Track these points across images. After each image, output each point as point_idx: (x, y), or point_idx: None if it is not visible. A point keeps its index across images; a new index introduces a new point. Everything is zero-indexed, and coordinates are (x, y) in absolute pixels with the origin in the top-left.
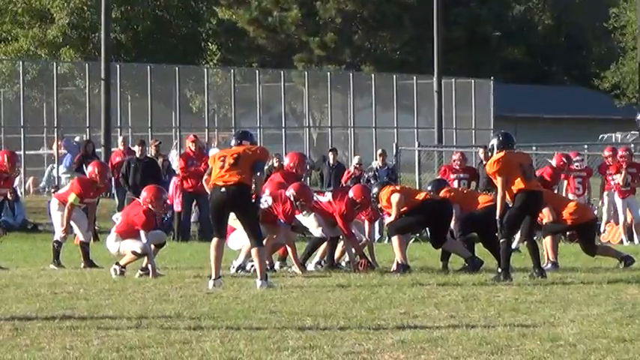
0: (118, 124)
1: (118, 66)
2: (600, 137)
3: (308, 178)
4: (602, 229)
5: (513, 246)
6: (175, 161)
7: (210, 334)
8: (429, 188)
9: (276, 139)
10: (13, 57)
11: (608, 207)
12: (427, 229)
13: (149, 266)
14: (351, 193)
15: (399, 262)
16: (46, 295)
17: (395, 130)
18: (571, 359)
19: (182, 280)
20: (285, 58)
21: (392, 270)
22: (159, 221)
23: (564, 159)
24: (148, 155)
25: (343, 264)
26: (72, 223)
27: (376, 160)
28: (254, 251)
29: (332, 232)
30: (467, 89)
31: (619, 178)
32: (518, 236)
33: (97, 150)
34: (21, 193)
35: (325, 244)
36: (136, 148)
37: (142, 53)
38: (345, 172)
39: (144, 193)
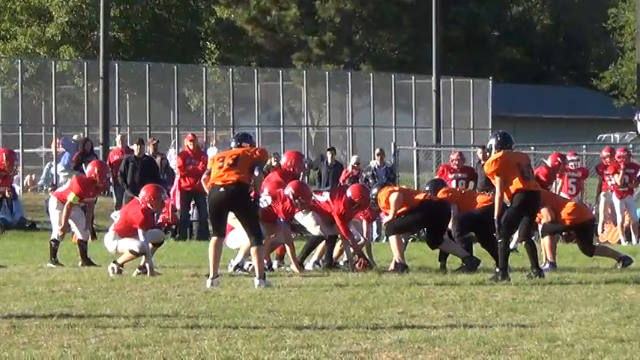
0: (117, 123)
1: (116, 64)
2: (599, 137)
3: (306, 177)
4: (599, 230)
5: (511, 246)
6: (173, 160)
7: (207, 332)
8: (427, 188)
9: (275, 138)
10: (11, 55)
11: (605, 207)
12: (425, 229)
13: (147, 265)
14: (349, 193)
15: (397, 261)
16: (43, 293)
17: (393, 129)
18: (569, 359)
19: (180, 279)
20: (283, 57)
21: (390, 269)
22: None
23: (559, 159)
24: (146, 154)
25: (341, 263)
26: (70, 221)
27: (374, 159)
28: (253, 250)
29: (330, 230)
30: (465, 89)
31: (617, 179)
32: (516, 236)
33: (95, 148)
34: (19, 191)
35: (323, 243)
36: (135, 147)
37: (140, 52)
38: (343, 172)
39: (143, 192)
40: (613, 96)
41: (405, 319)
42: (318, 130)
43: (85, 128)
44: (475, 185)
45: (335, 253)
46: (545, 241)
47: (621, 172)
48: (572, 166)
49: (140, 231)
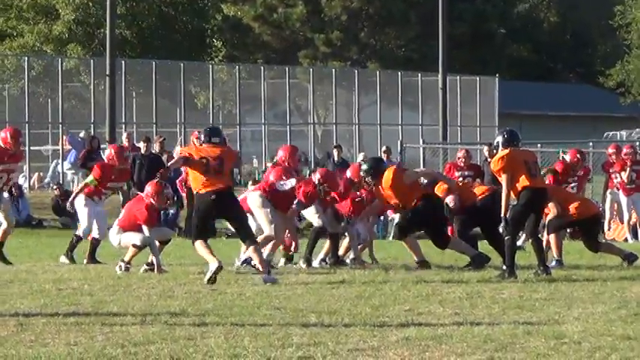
0: (123, 120)
1: (123, 62)
2: (605, 135)
3: (307, 171)
4: (605, 227)
5: (519, 243)
6: None
7: (214, 330)
8: (425, 182)
9: (281, 136)
10: (18, 53)
11: (611, 205)
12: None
13: (154, 261)
14: (348, 173)
15: (417, 260)
16: (50, 291)
17: (400, 127)
18: (576, 357)
19: (186, 277)
20: (290, 55)
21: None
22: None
23: (579, 155)
24: (153, 151)
25: (348, 261)
26: (92, 219)
27: (381, 157)
28: (251, 249)
29: (332, 227)
30: (472, 86)
31: (624, 176)
32: (523, 234)
33: (102, 146)
34: (25, 189)
35: (328, 241)
36: (141, 145)
37: (147, 49)
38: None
39: (147, 188)
40: (620, 93)
41: (412, 317)
42: (325, 128)
43: (92, 126)
44: (482, 183)
45: (342, 251)
46: (551, 239)
47: (628, 169)
48: None
49: (145, 228)
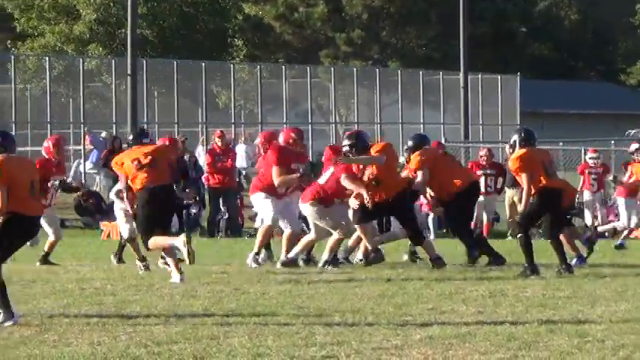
0: (145, 120)
1: (144, 62)
2: (627, 133)
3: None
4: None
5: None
6: (202, 157)
7: (238, 329)
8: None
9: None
10: (39, 53)
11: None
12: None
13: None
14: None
15: (433, 257)
16: (73, 291)
17: (421, 125)
18: (599, 355)
19: (209, 276)
20: (311, 54)
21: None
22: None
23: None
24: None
25: (355, 260)
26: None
27: (402, 156)
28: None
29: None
30: (493, 85)
31: None
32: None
33: (123, 146)
34: None
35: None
36: None
37: (168, 49)
38: None
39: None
40: None
41: (435, 316)
42: (346, 127)
43: (114, 125)
44: (504, 181)
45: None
46: (562, 239)
47: None
48: (592, 163)
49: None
